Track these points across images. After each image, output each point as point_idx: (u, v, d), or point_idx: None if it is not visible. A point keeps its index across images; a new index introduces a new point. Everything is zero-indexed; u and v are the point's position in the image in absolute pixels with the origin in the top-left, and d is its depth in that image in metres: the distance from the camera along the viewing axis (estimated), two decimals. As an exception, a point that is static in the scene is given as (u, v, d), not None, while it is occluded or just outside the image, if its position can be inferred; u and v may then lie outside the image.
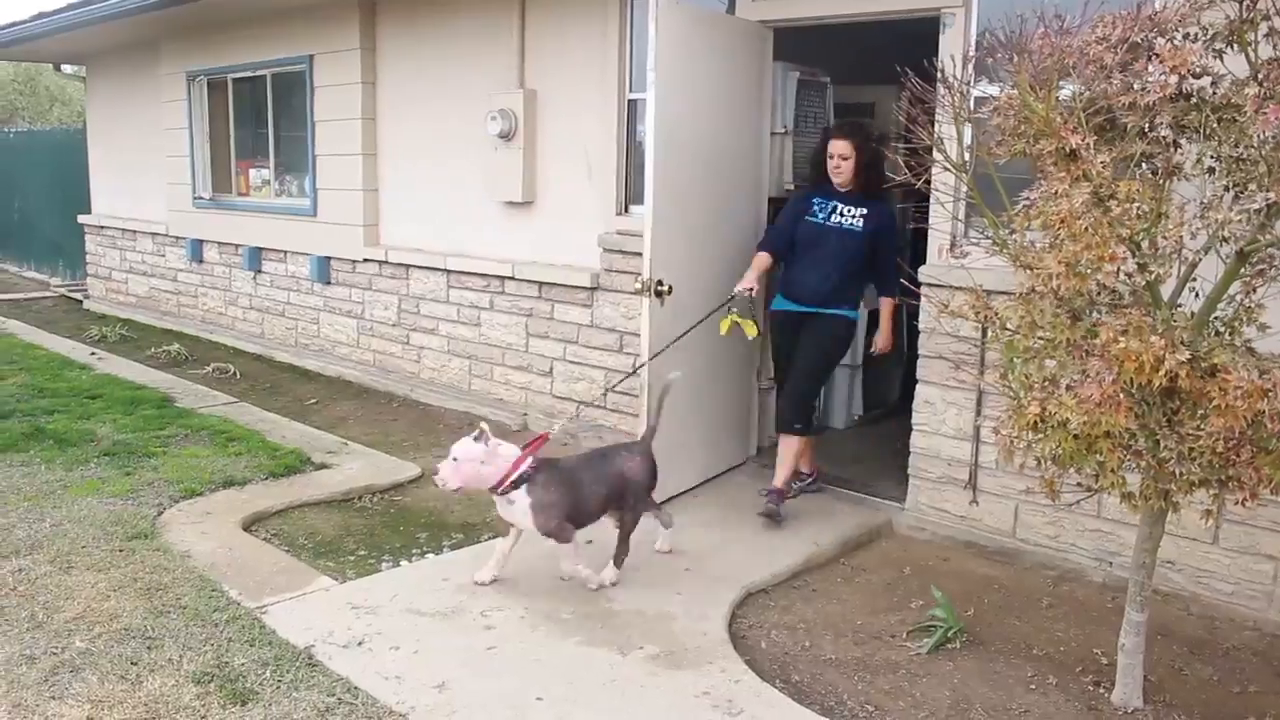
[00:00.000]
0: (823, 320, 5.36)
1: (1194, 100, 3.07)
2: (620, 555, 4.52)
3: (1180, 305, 3.25)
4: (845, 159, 5.24)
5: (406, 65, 8.19)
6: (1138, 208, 2.97)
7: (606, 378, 6.72)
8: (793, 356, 5.45)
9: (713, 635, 4.04)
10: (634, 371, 5.42)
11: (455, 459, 4.26)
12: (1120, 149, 3.11)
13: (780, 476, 5.33)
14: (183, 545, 4.76)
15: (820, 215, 5.34)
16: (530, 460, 4.31)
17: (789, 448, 5.35)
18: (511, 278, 7.38)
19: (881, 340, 5.43)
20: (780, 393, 5.58)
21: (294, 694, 3.48)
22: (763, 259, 5.42)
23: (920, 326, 5.21)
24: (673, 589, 4.46)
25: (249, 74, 10.02)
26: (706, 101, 5.42)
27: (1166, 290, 3.23)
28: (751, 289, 5.31)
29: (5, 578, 4.35)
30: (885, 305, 5.40)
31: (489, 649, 3.87)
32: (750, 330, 5.28)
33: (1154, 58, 3.05)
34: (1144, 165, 3.20)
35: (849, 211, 5.30)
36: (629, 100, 6.57)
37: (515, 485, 4.27)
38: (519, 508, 4.30)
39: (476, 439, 4.24)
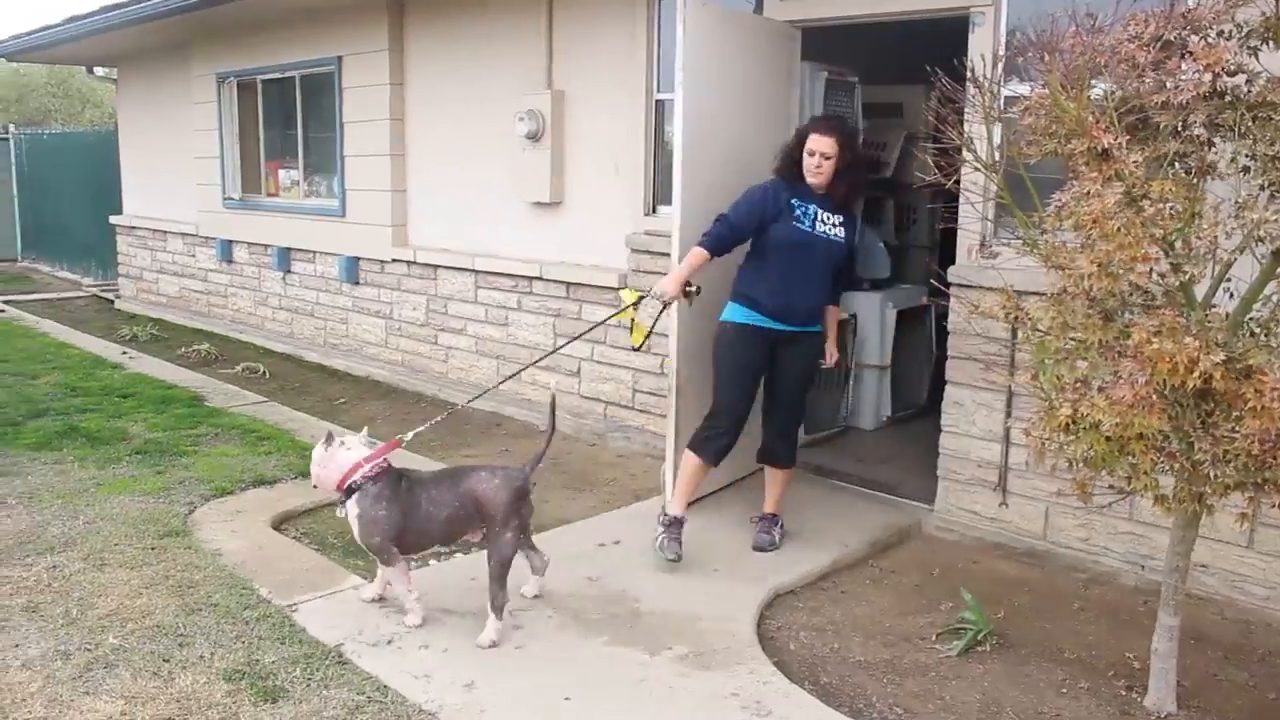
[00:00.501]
0: (809, 340, 4.92)
1: (1228, 98, 3.04)
2: (494, 599, 3.91)
3: (1215, 306, 3.21)
4: (827, 158, 4.68)
5: (435, 66, 8.22)
6: (1171, 207, 2.95)
7: (634, 378, 6.72)
8: (773, 380, 4.93)
9: (741, 636, 4.04)
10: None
11: (316, 463, 4.07)
12: (1153, 148, 3.09)
13: (775, 502, 5.10)
14: (214, 543, 4.80)
15: (805, 222, 4.76)
16: (370, 467, 3.97)
17: (786, 478, 5.09)
18: (539, 278, 7.39)
19: (832, 352, 5.06)
20: (766, 422, 5.04)
21: (324, 692, 3.50)
22: (700, 256, 4.79)
23: (950, 327, 5.18)
24: (701, 590, 4.45)
25: (278, 75, 10.09)
26: (734, 102, 5.40)
27: (1200, 291, 3.20)
28: (689, 289, 4.86)
29: (40, 574, 4.40)
30: (832, 315, 5.02)
31: (517, 648, 3.88)
32: (638, 338, 4.99)
33: (1187, 56, 3.03)
34: (1177, 164, 3.17)
35: (830, 219, 4.79)
36: (657, 100, 6.57)
37: (349, 493, 3.98)
38: (350, 516, 4.00)
39: (325, 442, 4.04)
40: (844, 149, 4.69)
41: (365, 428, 4.32)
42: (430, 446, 6.71)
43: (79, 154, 16.03)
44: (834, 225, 4.78)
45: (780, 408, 4.97)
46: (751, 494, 5.69)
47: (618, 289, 6.77)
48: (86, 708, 3.39)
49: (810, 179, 4.73)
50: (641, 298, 4.97)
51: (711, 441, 4.86)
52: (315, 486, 4.19)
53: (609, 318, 5.42)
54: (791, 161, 4.80)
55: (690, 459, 4.88)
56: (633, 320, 4.99)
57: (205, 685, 3.53)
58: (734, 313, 4.88)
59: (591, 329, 5.93)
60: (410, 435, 4.24)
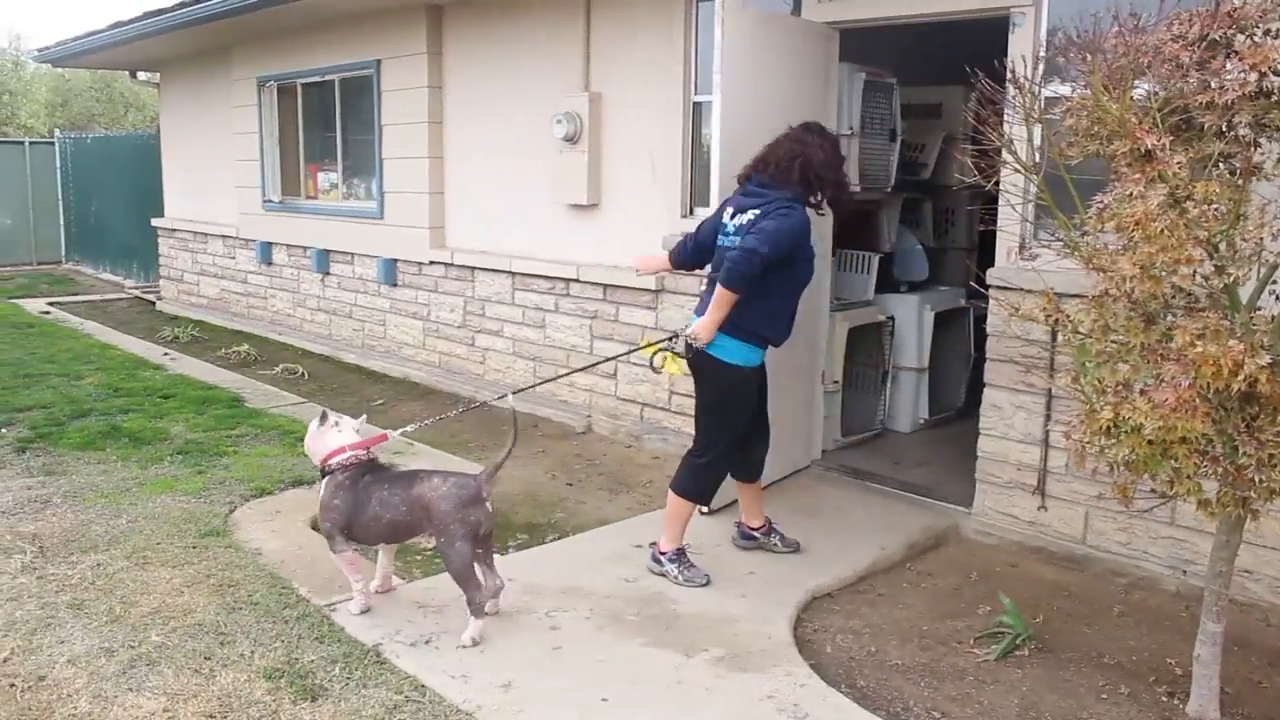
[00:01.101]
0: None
1: (1275, 98, 3.00)
2: (470, 601, 3.91)
3: (1260, 308, 3.17)
4: None
5: (472, 69, 8.26)
6: (1215, 209, 2.91)
7: (670, 381, 6.72)
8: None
9: (777, 639, 4.03)
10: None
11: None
12: (1197, 149, 3.05)
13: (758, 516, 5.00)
14: (254, 543, 4.85)
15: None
16: (348, 455, 4.03)
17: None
18: (576, 280, 7.41)
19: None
20: (760, 444, 4.89)
21: (363, 691, 3.53)
22: (731, 302, 4.39)
23: (989, 330, 5.14)
24: (737, 592, 4.45)
25: (317, 79, 10.18)
26: (772, 103, 5.39)
27: (1245, 293, 3.16)
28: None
29: (85, 572, 4.47)
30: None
31: (554, 649, 3.89)
32: (674, 368, 4.65)
33: (1233, 55, 2.99)
34: (1222, 165, 3.13)
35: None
36: (694, 102, 6.58)
37: (323, 475, 4.09)
38: (318, 496, 4.14)
39: (321, 420, 4.14)
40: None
41: (363, 415, 4.35)
42: (468, 448, 6.76)
43: (121, 157, 16.25)
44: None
45: (760, 423, 4.83)
46: (788, 498, 5.68)
47: (655, 290, 6.79)
48: (130, 704, 3.43)
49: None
50: (673, 336, 4.67)
51: (714, 488, 4.79)
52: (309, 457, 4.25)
53: (640, 349, 5.00)
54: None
55: (684, 505, 4.63)
56: (665, 355, 4.62)
57: (246, 683, 3.56)
58: (749, 355, 4.52)
59: (632, 351, 5.92)
60: (398, 433, 4.32)
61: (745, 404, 4.63)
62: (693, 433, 4.68)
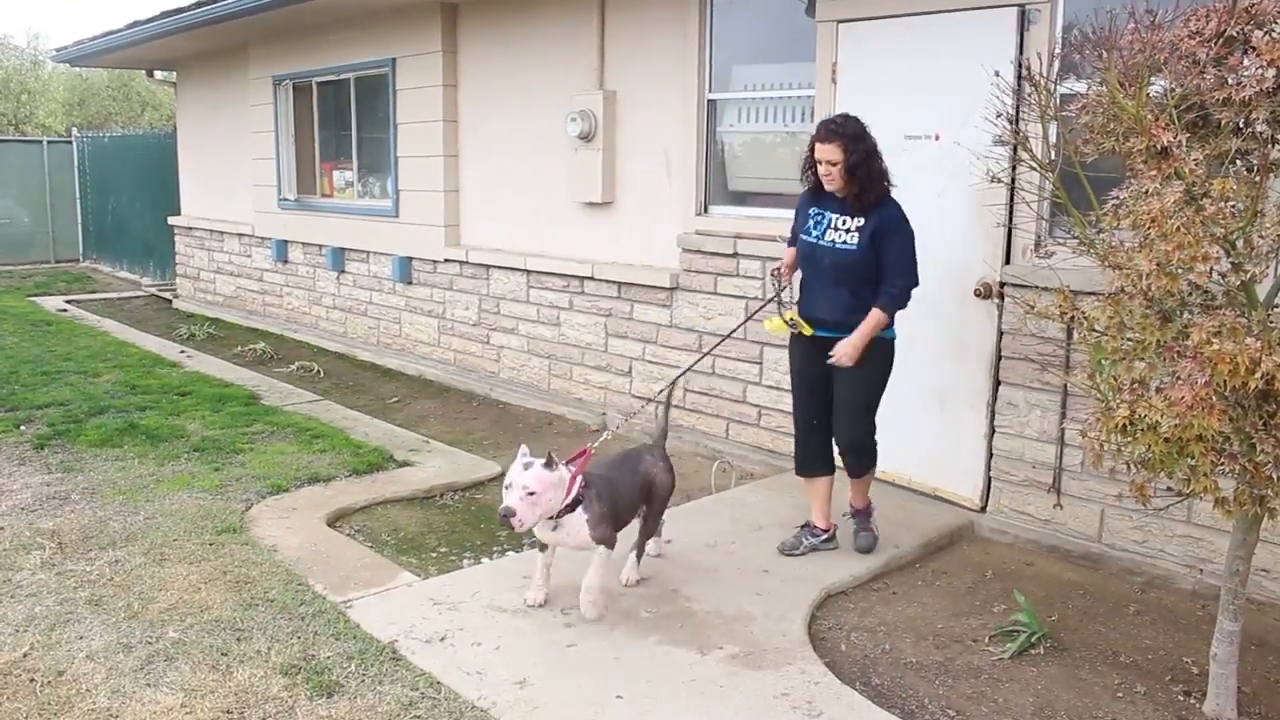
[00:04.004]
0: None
1: (1293, 95, 2.99)
2: (640, 553, 4.52)
3: (1277, 306, 3.16)
4: (834, 164, 4.52)
5: (487, 68, 8.28)
6: (1232, 206, 2.90)
7: (685, 378, 6.72)
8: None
9: (792, 636, 4.03)
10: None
11: (532, 492, 3.87)
12: (1214, 146, 3.04)
13: (851, 501, 5.00)
14: (270, 540, 4.88)
15: (814, 232, 4.71)
16: (579, 478, 4.10)
17: (855, 485, 4.96)
18: (591, 278, 7.42)
19: (841, 348, 4.54)
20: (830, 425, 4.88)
21: (379, 687, 3.54)
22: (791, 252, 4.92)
23: (1003, 327, 5.13)
24: (751, 589, 4.45)
25: (333, 78, 10.21)
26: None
27: (1262, 290, 3.15)
28: (782, 272, 4.90)
29: (103, 568, 4.50)
30: (870, 316, 4.54)
31: (569, 646, 3.90)
32: (806, 329, 4.69)
33: (1250, 51, 2.98)
34: (1239, 162, 3.12)
35: (844, 225, 4.63)
36: (709, 100, 6.57)
37: (571, 508, 4.03)
38: (570, 528, 4.06)
39: (549, 465, 3.94)
40: (847, 151, 4.47)
41: (523, 444, 4.17)
42: (483, 445, 6.78)
43: (138, 156, 16.31)
44: (846, 232, 4.60)
45: (836, 414, 4.80)
46: (781, 495, 5.67)
47: (670, 288, 6.79)
48: (148, 699, 3.46)
49: (827, 187, 4.60)
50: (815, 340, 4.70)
51: (796, 452, 4.98)
52: (526, 527, 3.94)
53: (755, 312, 5.05)
54: (809, 171, 4.71)
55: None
56: (791, 319, 4.72)
57: (263, 679, 3.58)
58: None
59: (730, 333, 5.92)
60: (596, 444, 4.38)
61: (793, 370, 4.93)
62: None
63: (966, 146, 4.68)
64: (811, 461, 4.92)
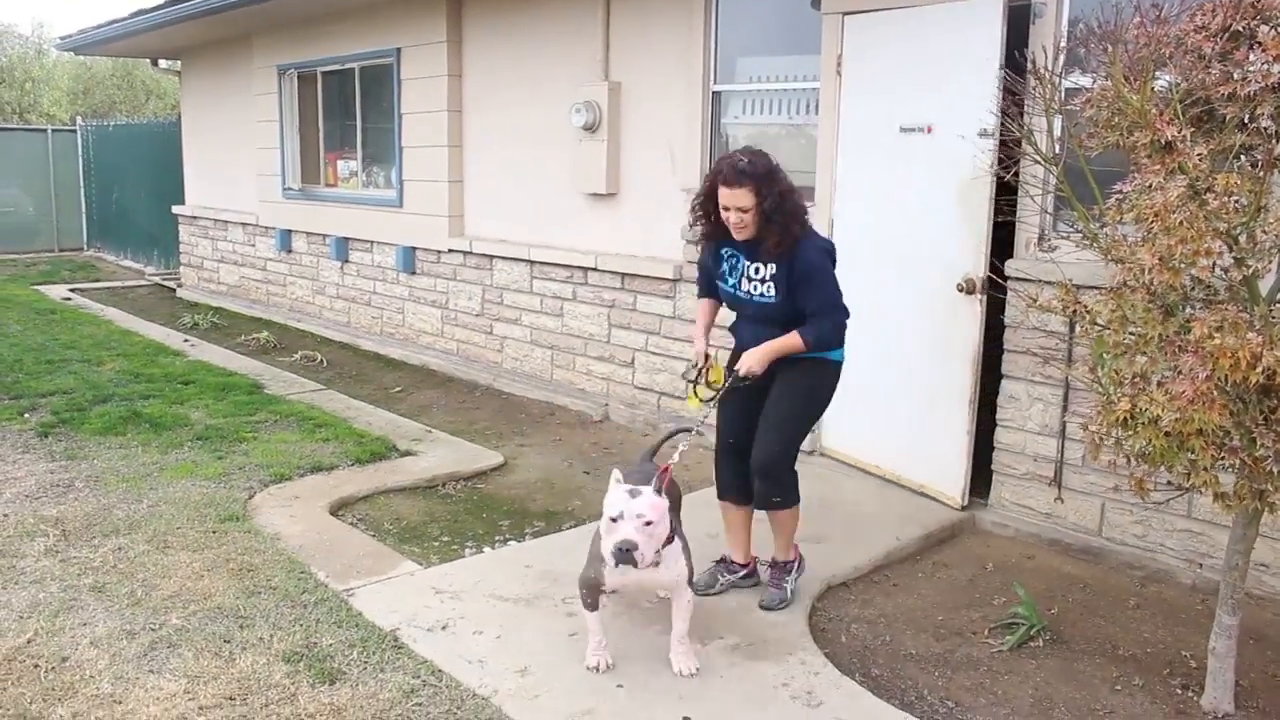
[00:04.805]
0: (780, 372, 4.13)
1: (1298, 91, 2.99)
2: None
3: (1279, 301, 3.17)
4: (745, 211, 3.89)
5: (492, 58, 8.28)
6: (1236, 201, 2.90)
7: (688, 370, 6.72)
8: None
9: (792, 627, 4.04)
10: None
11: (649, 521, 3.36)
12: (1218, 141, 3.04)
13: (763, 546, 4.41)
14: (272, 528, 4.89)
15: (730, 279, 4.15)
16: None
17: (775, 519, 4.33)
18: (594, 269, 7.43)
19: (746, 355, 4.03)
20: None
21: (380, 675, 3.56)
22: (709, 307, 4.38)
23: (1006, 321, 5.14)
24: (752, 580, 4.45)
25: (338, 67, 10.21)
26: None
27: (1265, 286, 3.15)
28: (707, 353, 4.28)
29: (106, 556, 4.52)
30: (785, 337, 4.00)
31: (571, 635, 3.91)
32: (695, 401, 4.29)
33: (1256, 46, 2.98)
34: (1243, 157, 3.12)
35: (757, 275, 4.05)
36: (714, 91, 6.57)
37: (671, 538, 3.52)
38: (669, 560, 3.54)
39: (660, 491, 3.45)
40: (760, 195, 3.85)
41: (615, 469, 3.66)
42: (485, 435, 6.79)
43: (142, 145, 16.32)
44: (761, 282, 4.04)
45: (757, 431, 4.21)
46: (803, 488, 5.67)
47: (673, 279, 6.79)
48: (151, 685, 3.47)
49: (737, 236, 3.99)
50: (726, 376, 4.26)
51: (718, 476, 4.42)
52: (639, 562, 3.36)
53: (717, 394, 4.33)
54: (708, 214, 4.08)
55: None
56: (708, 384, 4.29)
57: (265, 666, 3.60)
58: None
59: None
60: (678, 455, 3.83)
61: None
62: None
63: (970, 140, 4.69)
64: (726, 487, 4.37)
